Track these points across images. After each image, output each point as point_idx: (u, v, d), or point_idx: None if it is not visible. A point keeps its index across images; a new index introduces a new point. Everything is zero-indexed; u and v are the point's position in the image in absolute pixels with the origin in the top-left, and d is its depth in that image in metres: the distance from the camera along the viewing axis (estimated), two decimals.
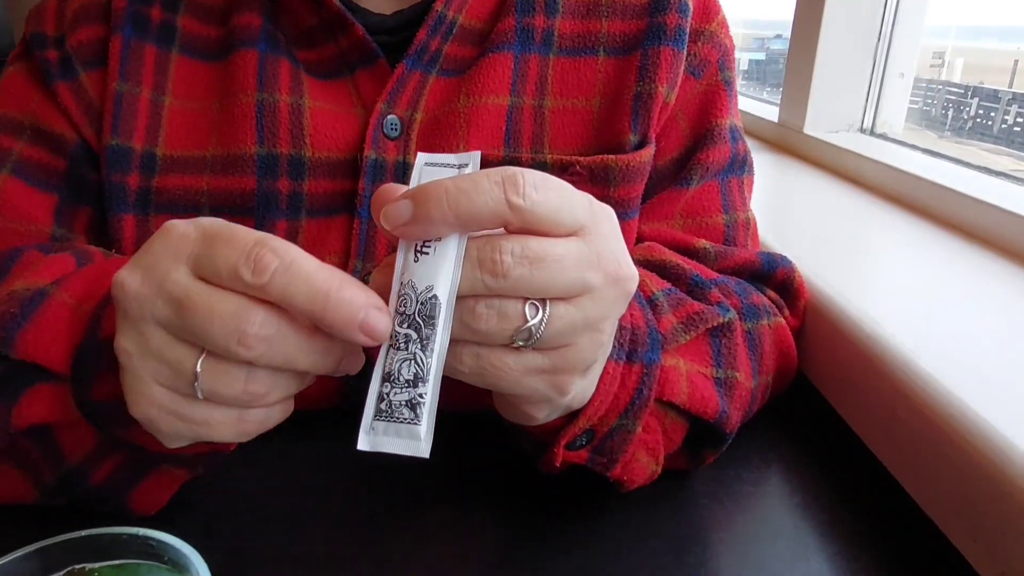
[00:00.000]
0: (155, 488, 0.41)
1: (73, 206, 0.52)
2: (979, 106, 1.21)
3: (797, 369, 0.56)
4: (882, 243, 0.74)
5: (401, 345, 0.29)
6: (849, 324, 0.52)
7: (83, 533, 0.28)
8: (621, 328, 0.38)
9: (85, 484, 0.39)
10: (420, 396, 0.29)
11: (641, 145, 0.53)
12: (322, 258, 0.31)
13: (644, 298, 0.45)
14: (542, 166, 0.52)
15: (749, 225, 0.58)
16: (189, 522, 0.43)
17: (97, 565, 0.28)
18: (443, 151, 0.51)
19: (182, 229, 0.30)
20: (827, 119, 1.09)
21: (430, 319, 0.28)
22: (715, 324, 0.45)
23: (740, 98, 0.62)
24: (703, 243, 0.54)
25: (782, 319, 0.53)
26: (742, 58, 2.65)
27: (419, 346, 0.29)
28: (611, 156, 0.52)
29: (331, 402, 0.53)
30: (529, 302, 0.29)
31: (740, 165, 0.58)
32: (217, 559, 0.36)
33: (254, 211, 0.52)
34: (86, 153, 0.52)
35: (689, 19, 0.54)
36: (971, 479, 0.38)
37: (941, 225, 0.74)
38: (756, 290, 0.53)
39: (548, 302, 0.29)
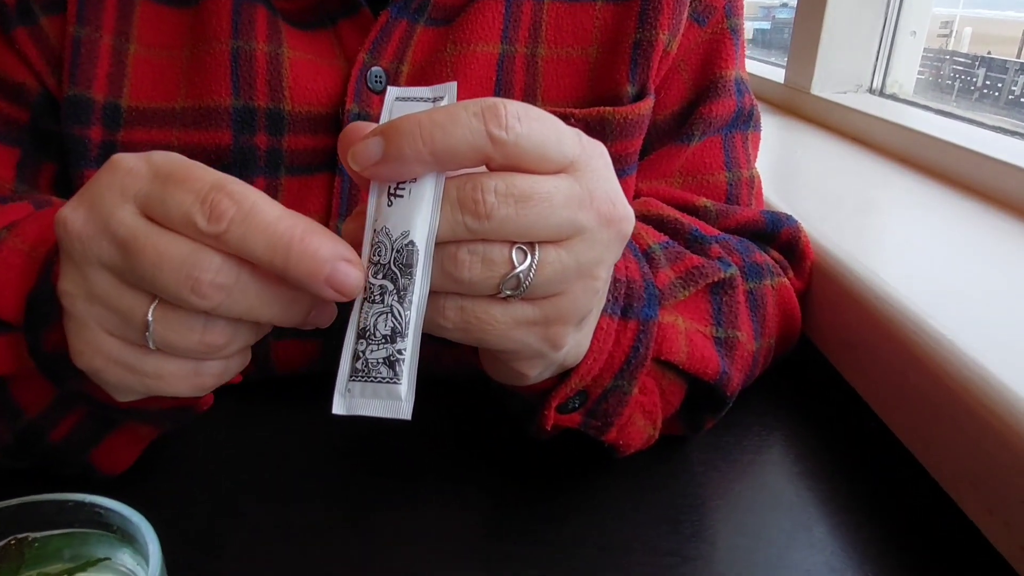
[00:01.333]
0: (119, 446, 0.39)
1: (36, 160, 0.49)
2: (986, 76, 1.18)
3: (801, 332, 0.53)
4: (891, 204, 0.71)
5: (376, 298, 0.26)
6: (857, 285, 0.49)
7: (25, 499, 0.26)
8: (616, 281, 0.35)
9: (44, 442, 0.37)
10: (399, 352, 0.26)
11: (640, 96, 0.50)
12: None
13: (640, 251, 0.42)
14: (559, 118, 0.49)
15: (753, 183, 0.55)
16: (158, 491, 0.41)
17: (40, 534, 0.26)
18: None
19: (131, 163, 0.27)
20: (835, 79, 1.06)
21: (407, 268, 0.26)
22: (716, 280, 0.43)
23: (745, 61, 0.59)
24: (704, 201, 0.51)
25: (786, 280, 0.50)
26: (747, 27, 2.59)
27: (396, 298, 0.26)
28: (608, 108, 0.49)
29: (312, 365, 0.50)
30: (516, 246, 0.26)
31: (746, 120, 0.55)
32: (186, 529, 0.34)
33: (230, 168, 0.48)
34: (49, 103, 0.48)
35: None
36: (990, 448, 0.36)
37: (952, 185, 0.71)
38: (759, 249, 0.50)
39: (537, 246, 0.26)
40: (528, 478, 0.43)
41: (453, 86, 0.27)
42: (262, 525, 0.39)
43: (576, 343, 0.32)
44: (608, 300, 0.35)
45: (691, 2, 0.51)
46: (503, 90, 0.50)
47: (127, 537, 0.25)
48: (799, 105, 1.09)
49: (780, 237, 0.52)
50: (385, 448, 0.46)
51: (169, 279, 0.25)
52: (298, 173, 0.49)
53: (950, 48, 1.32)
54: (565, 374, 0.36)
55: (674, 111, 0.52)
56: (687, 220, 0.47)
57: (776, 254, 0.52)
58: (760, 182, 0.57)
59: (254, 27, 0.48)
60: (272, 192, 0.49)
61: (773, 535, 0.40)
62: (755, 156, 0.57)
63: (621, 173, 0.51)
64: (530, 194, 0.25)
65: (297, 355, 0.51)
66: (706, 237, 0.46)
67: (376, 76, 0.49)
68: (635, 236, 0.43)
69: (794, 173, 0.83)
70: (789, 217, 0.53)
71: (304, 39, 0.49)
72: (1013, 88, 1.12)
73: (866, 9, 1.02)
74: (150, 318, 0.26)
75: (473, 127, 0.24)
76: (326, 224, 0.48)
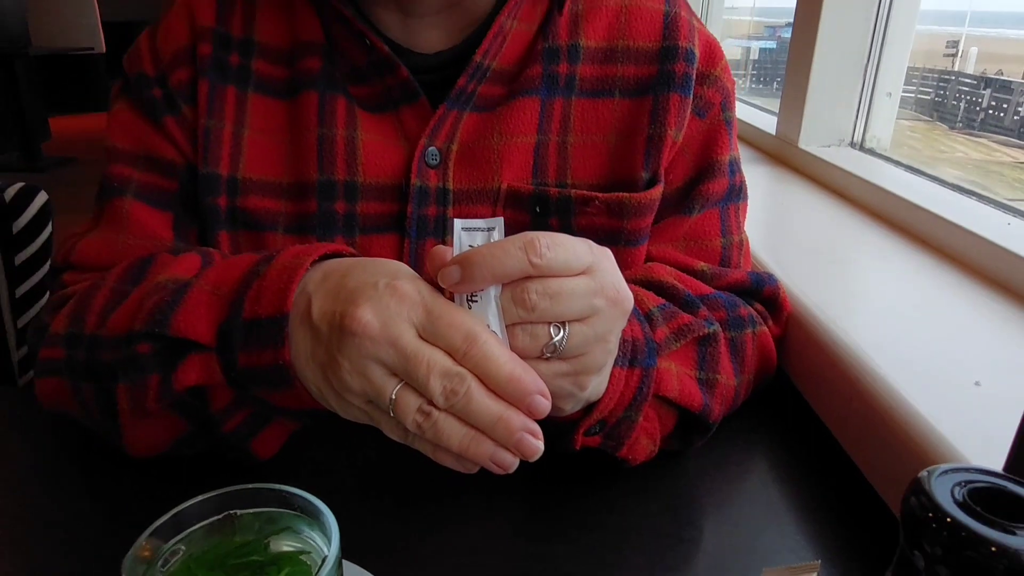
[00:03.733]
0: (272, 437, 0.52)
1: (186, 222, 0.63)
2: (992, 97, 1.23)
3: (777, 369, 0.66)
4: (859, 257, 0.83)
5: None
6: (820, 331, 0.62)
7: (235, 488, 0.38)
8: (624, 340, 0.48)
9: (218, 432, 0.50)
10: None
11: (651, 183, 0.62)
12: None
13: (642, 314, 0.54)
14: (566, 199, 0.61)
15: (743, 246, 0.67)
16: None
17: (244, 511, 0.38)
18: (479, 181, 0.61)
19: (410, 293, 0.39)
20: (820, 134, 1.19)
21: None
22: (701, 334, 0.55)
23: (744, 98, 0.71)
24: (702, 265, 0.63)
25: (765, 328, 0.63)
26: (752, 47, 2.65)
27: None
28: (626, 195, 0.61)
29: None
30: (553, 324, 0.39)
31: (737, 193, 0.66)
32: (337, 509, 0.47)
33: (315, 229, 0.61)
34: (191, 175, 0.62)
35: (695, 66, 0.62)
36: (905, 457, 0.48)
37: (912, 240, 0.84)
38: (744, 304, 0.62)
39: (567, 324, 0.40)
40: (556, 484, 0.56)
41: (500, 220, 0.40)
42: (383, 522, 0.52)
43: (596, 385, 0.45)
44: (619, 355, 0.47)
45: (694, 99, 0.62)
46: (539, 171, 0.62)
47: (306, 512, 0.38)
48: (788, 157, 1.22)
49: (763, 293, 0.65)
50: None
51: (434, 385, 0.38)
52: (370, 233, 0.62)
53: (956, 68, 1.36)
54: (589, 408, 0.48)
55: (678, 187, 0.64)
56: (682, 286, 0.59)
57: (759, 306, 0.65)
58: (748, 244, 0.69)
59: (335, 116, 0.61)
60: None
61: (750, 524, 0.52)
62: (744, 222, 0.68)
63: (636, 244, 0.63)
64: (559, 291, 0.39)
65: None
66: (696, 300, 0.58)
67: (432, 155, 0.61)
68: (639, 301, 0.55)
69: (779, 223, 0.96)
70: (771, 277, 0.66)
71: (373, 121, 0.62)
72: (1019, 109, 1.17)
73: (847, 72, 1.15)
74: (393, 396, 0.39)
75: (519, 257, 0.38)
76: None
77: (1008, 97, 1.20)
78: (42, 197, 1.01)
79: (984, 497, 0.24)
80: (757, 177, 1.18)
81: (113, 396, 0.50)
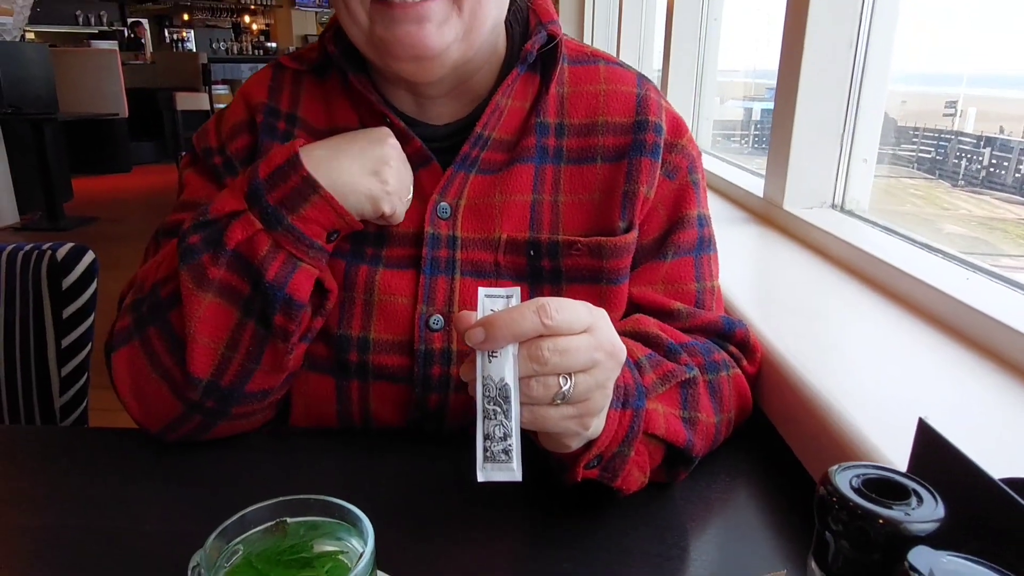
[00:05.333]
0: (303, 277, 0.65)
1: None
2: (992, 156, 1.26)
3: (754, 407, 0.73)
4: (834, 310, 0.91)
5: (491, 415, 0.48)
6: (793, 377, 0.70)
7: (287, 498, 0.46)
8: (617, 386, 0.56)
9: (265, 280, 0.62)
10: (509, 446, 0.48)
11: (627, 230, 0.72)
12: (393, 299, 0.60)
13: (632, 362, 0.62)
14: (555, 244, 0.71)
15: (715, 292, 0.76)
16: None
17: (294, 519, 0.46)
18: (483, 231, 0.71)
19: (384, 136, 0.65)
20: (803, 196, 1.28)
21: (506, 399, 0.48)
22: (683, 379, 0.64)
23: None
24: (677, 305, 0.72)
25: (739, 370, 0.71)
26: (754, 108, 2.76)
27: (503, 416, 0.48)
28: (604, 238, 0.71)
29: (402, 423, 0.71)
30: (561, 375, 0.48)
31: (707, 244, 0.76)
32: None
33: (348, 260, 0.72)
34: None
35: (663, 137, 0.73)
36: None
37: (883, 294, 0.92)
38: (718, 348, 0.71)
39: (573, 375, 0.48)
40: (557, 512, 0.63)
41: (518, 290, 0.50)
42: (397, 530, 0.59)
43: (597, 425, 0.54)
44: (614, 398, 0.55)
45: (663, 164, 0.73)
46: (535, 224, 0.72)
47: (345, 520, 0.45)
48: (774, 217, 1.31)
49: (735, 336, 0.73)
50: (454, 489, 0.66)
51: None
52: (392, 268, 0.72)
53: (955, 128, 1.40)
54: (588, 444, 0.56)
55: (654, 238, 0.74)
56: (665, 336, 0.67)
57: (734, 350, 0.73)
58: (720, 292, 0.78)
59: None
60: (372, 278, 0.71)
61: (729, 544, 0.59)
62: (716, 271, 0.77)
63: (616, 282, 0.72)
64: (567, 348, 0.48)
65: (391, 415, 0.71)
66: (677, 347, 0.66)
67: (443, 209, 0.72)
68: (629, 351, 0.62)
69: (764, 279, 1.05)
70: (740, 322, 0.74)
71: None
72: (1020, 167, 1.20)
73: (825, 141, 1.26)
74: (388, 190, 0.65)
75: (533, 319, 0.47)
76: (415, 307, 0.70)
77: (1008, 156, 1.25)
78: (89, 256, 1.11)
79: (874, 485, 0.32)
80: (745, 236, 1.27)
81: (170, 326, 0.64)
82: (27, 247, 1.10)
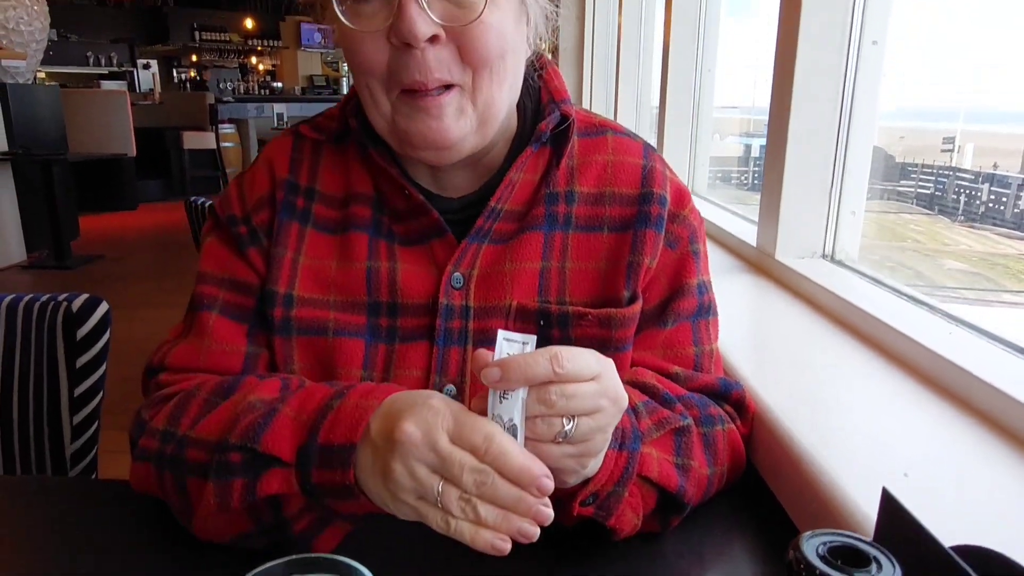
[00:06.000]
0: (331, 536, 0.62)
1: (258, 330, 0.76)
2: (990, 192, 1.28)
3: (747, 464, 0.76)
4: (823, 363, 0.94)
5: None
6: (781, 432, 0.73)
7: (298, 556, 0.49)
8: (615, 429, 0.59)
9: (289, 531, 0.61)
10: None
11: (632, 300, 0.75)
12: (409, 372, 0.61)
13: (631, 407, 0.65)
14: (565, 315, 0.74)
15: (713, 355, 0.79)
16: None
17: (303, 575, 0.49)
18: (494, 299, 0.74)
19: (440, 407, 0.52)
20: (795, 247, 1.32)
21: (514, 437, 0.51)
22: (677, 426, 0.67)
23: (708, 267, 0.84)
24: (676, 369, 0.75)
25: (734, 427, 0.74)
26: (753, 144, 2.78)
27: None
28: (613, 310, 0.74)
29: None
30: (565, 417, 0.52)
31: (707, 311, 0.79)
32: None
33: (364, 337, 0.74)
34: (263, 293, 0.76)
35: (667, 208, 0.76)
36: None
37: (870, 347, 0.96)
38: (714, 404, 0.74)
39: (576, 417, 0.52)
40: (555, 559, 0.66)
41: (534, 338, 0.53)
42: None
43: (594, 465, 0.57)
44: (612, 440, 0.59)
45: (666, 235, 0.76)
46: (543, 291, 0.75)
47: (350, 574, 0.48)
48: (767, 267, 1.35)
49: (732, 397, 0.76)
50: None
51: (467, 479, 0.50)
52: (406, 342, 0.75)
53: (953, 164, 1.42)
54: (585, 482, 0.59)
55: (655, 305, 0.77)
56: (661, 386, 0.70)
57: (729, 408, 0.76)
58: (719, 354, 0.81)
59: (380, 253, 0.76)
60: (389, 353, 0.74)
61: None
62: (715, 335, 0.80)
63: (622, 349, 0.75)
64: (574, 394, 0.51)
65: None
66: (673, 398, 0.70)
67: (456, 279, 0.75)
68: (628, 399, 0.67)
69: (757, 330, 1.08)
70: (737, 383, 0.77)
71: (409, 254, 0.76)
72: (1018, 203, 1.21)
73: (814, 194, 1.30)
74: (439, 489, 0.51)
75: (546, 366, 0.50)
76: (427, 377, 0.73)
77: (1007, 191, 1.26)
78: (103, 307, 1.15)
79: (840, 552, 0.35)
80: (739, 286, 1.31)
81: (185, 488, 0.62)
82: (43, 297, 1.14)
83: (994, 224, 1.31)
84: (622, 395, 0.55)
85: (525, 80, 0.75)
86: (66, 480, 1.08)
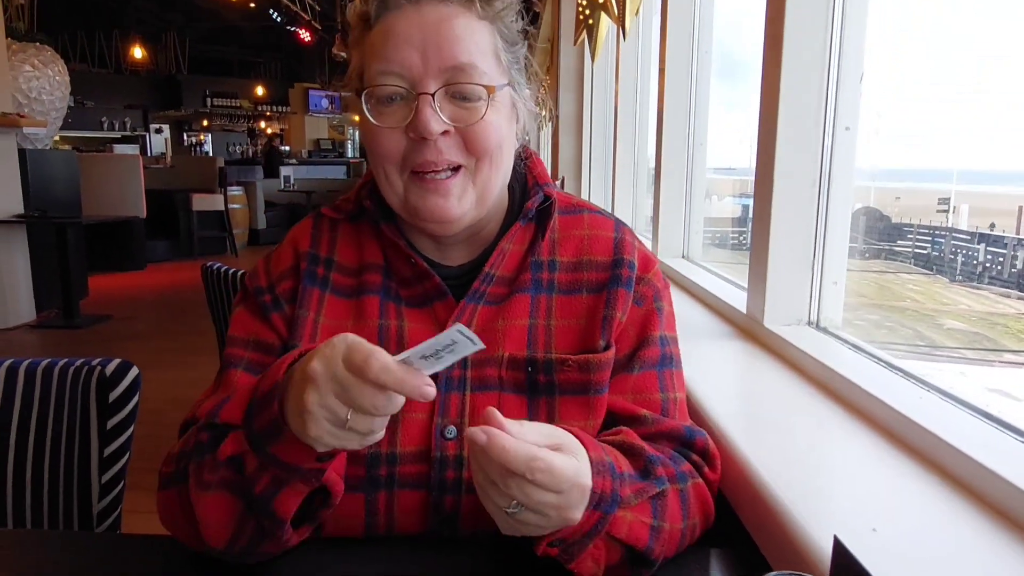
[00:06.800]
0: (289, 497, 0.69)
1: None
2: (987, 252, 1.32)
3: (734, 517, 0.83)
4: (805, 426, 1.02)
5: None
6: (762, 486, 0.80)
7: None
8: (594, 492, 0.66)
9: (252, 493, 0.69)
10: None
11: (607, 348, 0.85)
12: (414, 415, 0.75)
13: (617, 472, 0.72)
14: (550, 362, 0.84)
15: (678, 403, 0.88)
16: None
17: None
18: (489, 353, 0.83)
19: (336, 343, 0.61)
20: (782, 314, 1.41)
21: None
22: (654, 493, 0.74)
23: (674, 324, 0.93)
24: (644, 412, 0.84)
25: (701, 480, 0.81)
26: (750, 205, 2.86)
27: None
28: (591, 355, 0.84)
29: (422, 529, 0.81)
30: (517, 501, 0.61)
31: (670, 361, 0.88)
32: None
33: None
34: (285, 352, 0.84)
35: (635, 272, 0.88)
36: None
37: (849, 410, 1.03)
38: (684, 459, 0.82)
39: (523, 505, 0.61)
40: None
41: (481, 346, 0.62)
42: None
43: (540, 528, 0.65)
44: (589, 500, 0.66)
45: (634, 294, 0.87)
46: (531, 345, 0.85)
47: None
48: (756, 333, 1.44)
49: (696, 444, 0.84)
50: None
51: (367, 402, 0.59)
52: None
53: (950, 223, 1.45)
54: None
55: (625, 354, 0.87)
56: (649, 449, 0.78)
57: (696, 458, 0.83)
58: (684, 404, 0.89)
59: (389, 314, 0.86)
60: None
61: None
62: (680, 385, 0.89)
63: (600, 392, 0.84)
64: (531, 495, 0.61)
65: (412, 517, 0.81)
66: (656, 458, 0.77)
67: (457, 329, 0.83)
68: (617, 462, 0.73)
69: (748, 395, 1.16)
70: (700, 430, 0.85)
71: (414, 314, 0.87)
72: (1015, 262, 1.24)
73: (797, 264, 1.39)
74: (348, 417, 0.60)
75: (521, 467, 0.59)
76: (431, 419, 0.82)
77: (1003, 251, 1.30)
78: (133, 372, 1.23)
79: None
80: (730, 352, 1.39)
81: (188, 492, 0.72)
82: (78, 362, 1.22)
83: (992, 284, 1.34)
84: (572, 518, 0.65)
85: (514, 167, 0.89)
86: (92, 535, 1.14)
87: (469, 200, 0.82)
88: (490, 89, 0.80)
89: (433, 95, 0.78)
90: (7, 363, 1.23)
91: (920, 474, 0.82)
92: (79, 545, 0.89)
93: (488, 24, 0.83)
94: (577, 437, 0.69)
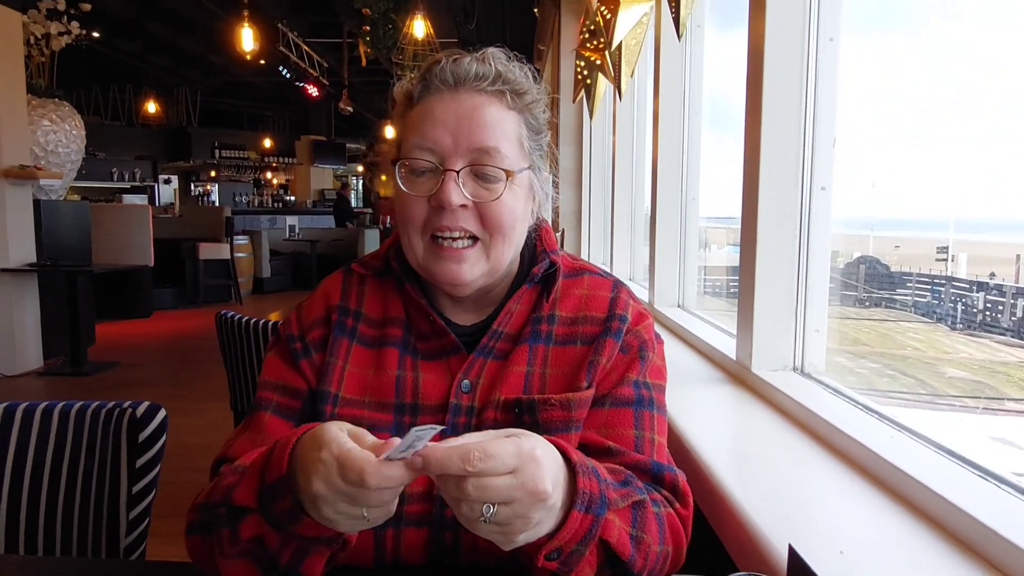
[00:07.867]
0: (314, 562, 0.75)
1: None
2: (986, 301, 1.34)
3: (722, 548, 0.91)
4: (787, 464, 1.10)
5: None
6: (748, 521, 0.88)
7: None
8: (584, 492, 0.73)
9: (280, 565, 0.75)
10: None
11: (588, 387, 0.92)
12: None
13: (602, 476, 0.78)
14: (533, 402, 0.91)
15: (655, 443, 0.93)
16: None
17: None
18: (493, 399, 0.91)
19: (327, 459, 0.67)
20: (768, 360, 1.50)
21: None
22: (636, 499, 0.81)
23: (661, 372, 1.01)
24: (610, 444, 0.90)
25: (672, 511, 0.87)
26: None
27: None
28: (572, 394, 0.92)
29: (424, 560, 0.89)
30: (486, 504, 0.66)
31: (648, 404, 0.94)
32: None
33: (391, 431, 0.90)
34: (313, 398, 0.94)
35: (626, 324, 0.96)
36: None
37: (827, 449, 1.11)
38: (655, 490, 0.88)
39: (495, 504, 0.66)
40: None
41: (433, 429, 0.67)
42: None
43: (527, 536, 0.69)
44: (579, 502, 0.72)
45: (622, 344, 0.95)
46: (528, 389, 0.93)
47: None
48: (745, 379, 1.52)
49: (665, 479, 0.90)
50: None
51: (373, 502, 0.67)
52: None
53: (949, 272, 1.47)
54: (551, 535, 0.71)
55: (601, 394, 0.94)
56: (626, 470, 0.85)
57: (666, 492, 0.89)
58: (663, 447, 0.94)
59: (407, 366, 0.95)
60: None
61: None
62: (660, 428, 0.95)
63: (578, 428, 0.91)
64: (486, 486, 0.65)
65: (417, 550, 0.89)
66: (633, 476, 0.85)
67: (465, 385, 0.93)
68: (599, 468, 0.79)
69: (735, 436, 1.24)
70: (671, 467, 0.91)
71: (430, 366, 0.95)
72: (1014, 311, 1.26)
73: (782, 315, 1.49)
74: (364, 513, 0.67)
75: (457, 464, 0.65)
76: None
77: (1002, 299, 1.32)
78: (161, 413, 1.32)
79: None
80: (720, 397, 1.48)
81: (210, 545, 0.80)
82: (109, 404, 1.31)
83: (993, 332, 1.37)
84: (542, 489, 0.66)
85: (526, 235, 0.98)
86: (119, 562, 1.21)
87: (480, 268, 0.91)
88: (509, 173, 0.89)
89: (458, 172, 0.88)
90: (43, 405, 1.32)
91: (888, 505, 0.90)
92: (107, 569, 0.96)
93: (516, 114, 0.92)
94: (554, 443, 0.73)
